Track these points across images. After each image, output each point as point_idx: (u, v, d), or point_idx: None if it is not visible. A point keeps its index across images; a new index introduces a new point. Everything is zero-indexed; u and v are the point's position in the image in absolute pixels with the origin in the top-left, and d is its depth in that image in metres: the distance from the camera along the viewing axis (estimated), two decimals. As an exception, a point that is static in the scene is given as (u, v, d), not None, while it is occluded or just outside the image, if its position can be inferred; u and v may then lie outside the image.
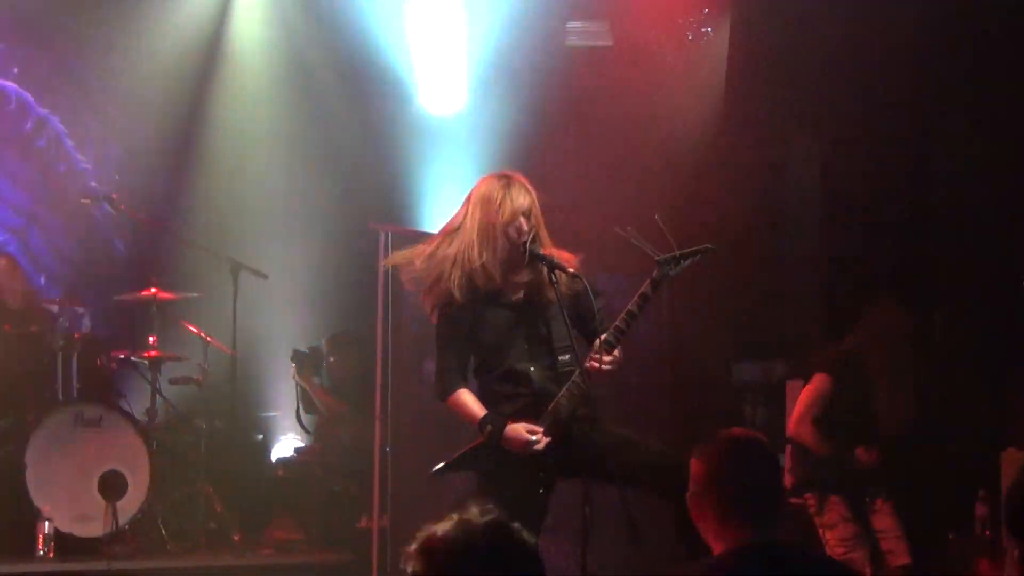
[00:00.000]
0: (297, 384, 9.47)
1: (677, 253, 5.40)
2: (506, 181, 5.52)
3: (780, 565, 3.31)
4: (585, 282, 5.44)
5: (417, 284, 5.63)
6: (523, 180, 5.55)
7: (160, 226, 9.66)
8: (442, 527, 2.78)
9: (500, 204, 5.45)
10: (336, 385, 9.62)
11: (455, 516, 2.79)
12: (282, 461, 9.45)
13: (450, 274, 5.48)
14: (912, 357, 6.96)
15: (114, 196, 8.95)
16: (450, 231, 5.55)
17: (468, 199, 5.57)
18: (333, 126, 9.90)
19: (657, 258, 5.42)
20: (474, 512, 2.80)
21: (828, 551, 6.70)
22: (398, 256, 5.78)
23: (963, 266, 8.39)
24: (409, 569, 2.81)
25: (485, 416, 5.43)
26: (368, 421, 8.46)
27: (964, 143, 8.21)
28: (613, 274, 8.03)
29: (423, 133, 9.37)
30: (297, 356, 9.49)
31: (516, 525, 2.82)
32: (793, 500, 6.92)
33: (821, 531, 6.87)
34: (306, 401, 9.58)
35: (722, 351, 9.03)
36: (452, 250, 5.49)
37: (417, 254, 5.62)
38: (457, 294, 5.47)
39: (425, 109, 9.44)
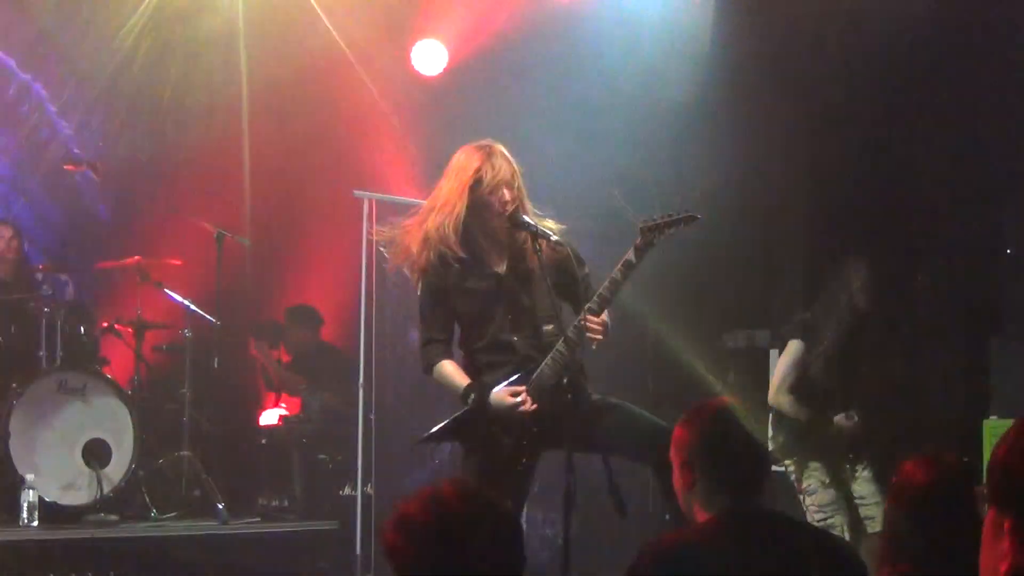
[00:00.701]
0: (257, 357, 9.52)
1: (661, 220, 5.39)
2: (487, 151, 5.49)
3: (762, 531, 3.33)
4: (569, 250, 5.44)
5: (401, 259, 5.64)
6: (503, 149, 5.54)
7: (143, 193, 9.62)
8: (416, 501, 2.78)
9: (481, 175, 5.43)
10: (294, 358, 9.64)
11: (429, 489, 2.80)
12: (267, 429, 9.46)
13: (431, 249, 5.47)
14: (858, 327, 6.93)
15: (97, 163, 8.93)
16: (432, 205, 5.54)
17: (447, 171, 5.55)
18: (319, 91, 9.84)
19: (641, 225, 5.41)
20: (447, 484, 2.81)
21: (808, 517, 6.72)
22: (385, 236, 5.77)
23: (947, 233, 8.39)
24: (386, 546, 2.82)
25: (468, 385, 5.45)
26: (332, 391, 8.53)
27: (949, 108, 8.19)
28: (596, 240, 8.03)
29: (408, 99, 9.33)
30: (255, 329, 9.48)
31: (491, 493, 2.82)
32: (775, 468, 6.93)
33: (801, 497, 6.89)
34: (264, 374, 9.60)
35: (707, 319, 9.04)
36: (433, 224, 5.48)
37: (402, 232, 5.62)
38: (438, 268, 5.48)
39: (410, 72, 9.39)
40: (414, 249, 5.51)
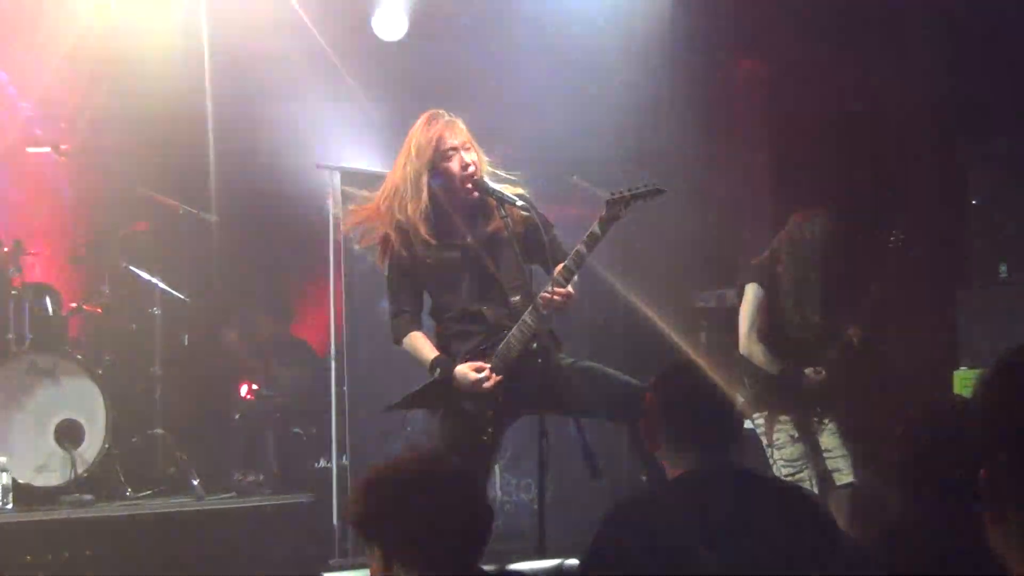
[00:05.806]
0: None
1: (628, 194, 5.37)
2: (442, 121, 5.49)
3: (728, 488, 3.34)
4: (534, 213, 5.44)
5: (370, 242, 5.66)
6: (456, 118, 5.53)
7: (108, 173, 9.55)
8: (379, 470, 2.80)
9: (440, 147, 5.43)
10: (256, 346, 9.63)
11: (392, 458, 2.82)
12: (239, 405, 9.44)
13: (401, 234, 5.47)
14: (819, 266, 6.93)
15: (60, 144, 8.86)
16: (395, 184, 5.53)
17: (405, 147, 5.54)
18: (281, 60, 9.76)
19: (607, 198, 5.41)
20: (410, 452, 2.83)
21: (775, 471, 6.73)
22: (351, 220, 5.77)
23: (915, 185, 8.42)
24: (354, 515, 2.83)
25: (435, 358, 5.46)
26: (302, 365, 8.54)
27: (911, 65, 8.21)
28: (562, 208, 8.01)
29: (371, 66, 9.27)
30: (225, 318, 9.42)
31: (457, 459, 2.84)
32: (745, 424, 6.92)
33: (769, 451, 6.88)
34: (232, 361, 9.55)
35: (677, 280, 9.05)
36: (400, 211, 5.47)
37: (368, 215, 5.63)
38: (407, 247, 5.48)
39: (372, 36, 9.30)
40: (384, 234, 5.51)
